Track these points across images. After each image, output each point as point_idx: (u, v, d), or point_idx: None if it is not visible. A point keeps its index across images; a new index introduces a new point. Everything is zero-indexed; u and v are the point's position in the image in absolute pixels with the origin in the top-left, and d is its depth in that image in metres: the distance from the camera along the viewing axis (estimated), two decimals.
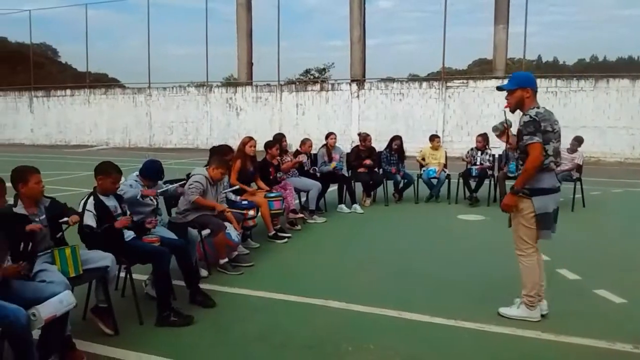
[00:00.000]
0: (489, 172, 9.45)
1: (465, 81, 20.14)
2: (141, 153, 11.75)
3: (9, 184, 3.43)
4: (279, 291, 4.91)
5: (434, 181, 9.61)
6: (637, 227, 7.96)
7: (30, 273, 3.43)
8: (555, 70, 29.28)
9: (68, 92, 26.72)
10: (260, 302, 4.73)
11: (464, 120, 19.52)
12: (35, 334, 3.19)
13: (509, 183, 9.09)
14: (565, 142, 9.57)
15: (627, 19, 39.11)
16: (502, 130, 4.60)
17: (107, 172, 4.21)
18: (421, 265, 5.85)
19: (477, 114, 19.18)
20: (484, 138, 9.54)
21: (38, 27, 27.02)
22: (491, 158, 9.61)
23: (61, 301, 3.22)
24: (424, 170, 9.72)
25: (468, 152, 9.79)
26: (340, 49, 51.13)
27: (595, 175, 13.11)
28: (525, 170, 4.02)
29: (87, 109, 25.93)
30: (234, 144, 6.98)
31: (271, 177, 7.32)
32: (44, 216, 3.79)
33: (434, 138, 10.03)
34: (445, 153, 10.03)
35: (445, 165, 9.78)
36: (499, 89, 4.32)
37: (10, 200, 3.65)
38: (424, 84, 20.53)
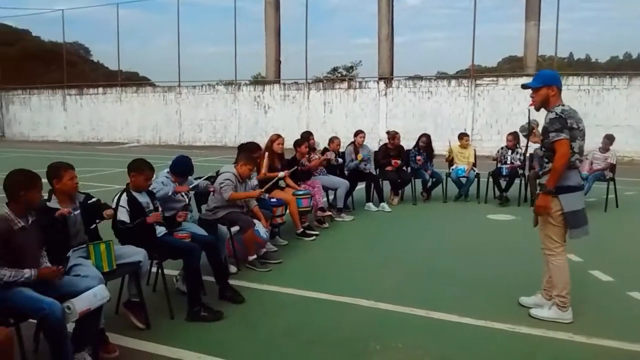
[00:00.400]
0: (520, 172, 9.31)
1: (495, 79, 19.85)
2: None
3: (44, 180, 3.52)
4: (307, 288, 4.94)
5: (463, 180, 9.51)
6: None
7: (63, 273, 3.47)
8: (587, 68, 28.59)
9: (100, 90, 27.24)
10: (289, 299, 4.76)
11: (493, 119, 19.25)
12: (70, 326, 3.27)
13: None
14: (598, 140, 9.44)
15: None
16: (530, 130, 4.51)
17: (140, 169, 4.29)
18: (450, 265, 5.79)
19: (507, 112, 18.89)
20: (514, 137, 9.40)
21: (70, 26, 27.75)
22: (522, 157, 9.46)
23: (95, 295, 3.29)
24: (452, 169, 9.62)
25: (498, 151, 9.66)
26: (367, 46, 51.05)
27: (629, 175, 12.78)
28: (554, 169, 3.98)
29: (119, 107, 26.39)
30: (262, 142, 7.01)
31: (300, 174, 7.35)
32: (78, 211, 3.88)
33: (462, 136, 9.92)
34: (475, 152, 9.90)
35: (474, 164, 9.66)
36: (524, 87, 4.31)
37: (46, 196, 3.75)
38: (453, 82, 20.32)
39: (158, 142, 25.35)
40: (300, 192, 6.85)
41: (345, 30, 55.13)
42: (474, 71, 20.96)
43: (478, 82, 19.72)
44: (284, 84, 23.29)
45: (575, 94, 18.28)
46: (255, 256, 5.55)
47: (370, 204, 8.92)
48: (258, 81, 26.61)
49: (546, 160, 4.18)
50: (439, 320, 4.22)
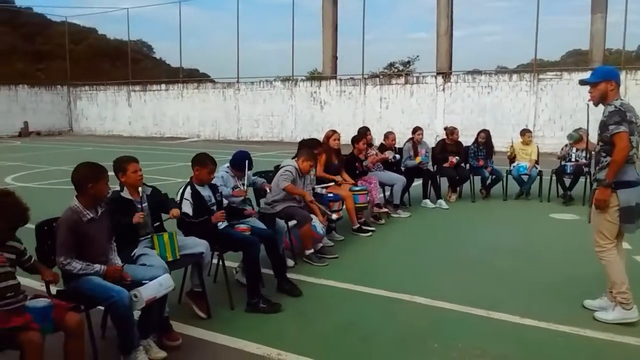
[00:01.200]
0: (585, 170, 8.94)
1: (559, 73, 19.11)
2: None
3: (111, 173, 3.68)
4: (363, 284, 4.94)
5: (525, 178, 9.23)
6: None
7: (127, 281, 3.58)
8: None
9: (163, 86, 28.10)
10: (346, 294, 4.77)
11: (557, 114, 18.55)
12: (136, 314, 3.41)
13: None
14: None
15: None
16: (578, 138, 4.45)
17: (204, 163, 4.41)
18: (511, 265, 5.64)
19: (571, 107, 18.14)
20: (582, 133, 9.01)
21: (134, 24, 28.86)
22: (587, 155, 9.08)
23: (161, 284, 3.42)
24: (513, 166, 9.35)
25: (562, 148, 9.31)
26: (424, 41, 50.29)
27: None
28: (613, 162, 3.92)
29: (180, 102, 27.15)
30: (318, 138, 7.05)
31: (357, 171, 7.34)
32: (145, 203, 4.03)
33: (525, 132, 9.62)
34: (537, 148, 9.59)
35: (537, 161, 9.36)
36: (582, 82, 4.28)
37: (115, 188, 3.92)
38: (514, 76, 19.71)
39: (217, 137, 25.92)
40: (357, 188, 6.85)
41: (402, 24, 54.68)
42: (537, 65, 20.27)
43: (541, 76, 19.05)
44: (340, 80, 23.30)
45: None
46: (312, 250, 5.60)
47: (427, 200, 8.81)
48: (314, 77, 26.74)
49: (604, 154, 4.09)
50: (499, 321, 4.13)
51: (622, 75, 17.65)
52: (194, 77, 31.12)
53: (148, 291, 3.29)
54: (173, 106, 27.38)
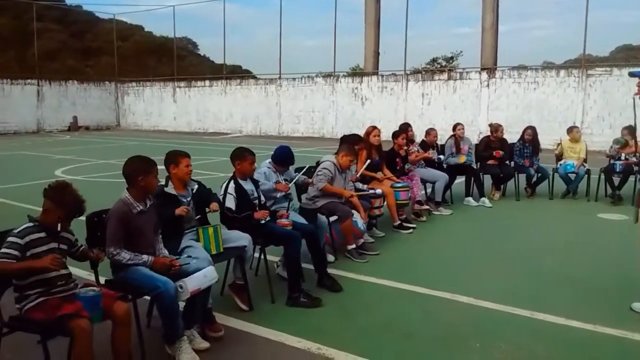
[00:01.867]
0: (635, 169, 8.62)
1: (608, 69, 18.46)
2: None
3: (161, 167, 3.77)
4: (404, 281, 4.91)
5: (572, 176, 8.97)
6: None
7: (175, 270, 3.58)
8: None
9: (207, 82, 28.57)
10: (386, 291, 4.76)
11: (605, 112, 17.92)
12: (181, 305, 3.48)
13: None
14: None
15: None
16: (624, 143, 4.32)
17: (243, 155, 4.49)
18: (556, 265, 5.51)
19: (621, 104, 17.47)
20: (630, 131, 8.69)
21: (179, 21, 29.36)
22: (638, 153, 8.76)
23: (205, 276, 3.49)
24: (560, 164, 9.10)
25: (612, 146, 9.00)
26: (468, 36, 49.41)
27: None
28: None
29: (223, 98, 27.55)
30: (359, 134, 7.01)
31: (398, 167, 7.30)
32: (190, 198, 4.11)
33: (572, 129, 9.34)
34: (586, 146, 9.30)
35: (585, 160, 9.08)
36: (632, 74, 4.26)
37: (161, 182, 4.01)
38: (562, 72, 19.14)
39: (259, 132, 26.18)
40: (399, 185, 6.80)
41: (446, 19, 53.90)
42: (585, 60, 19.65)
43: (590, 72, 18.45)
44: (382, 76, 23.15)
45: None
46: (353, 246, 5.60)
47: (470, 198, 8.68)
48: (356, 73, 26.67)
49: None
50: (544, 322, 4.04)
51: None
52: (237, 73, 31.52)
53: (193, 282, 3.36)
54: (216, 102, 27.80)
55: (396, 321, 4.08)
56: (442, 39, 48.21)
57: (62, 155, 15.94)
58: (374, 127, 6.99)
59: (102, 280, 3.52)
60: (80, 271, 3.85)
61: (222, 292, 4.46)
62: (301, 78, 25.20)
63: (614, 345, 3.70)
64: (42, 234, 2.92)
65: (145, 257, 3.40)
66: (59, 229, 2.94)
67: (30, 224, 2.92)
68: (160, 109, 30.07)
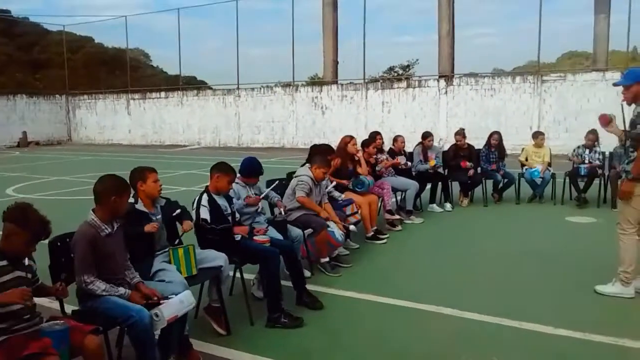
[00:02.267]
0: (599, 171, 8.78)
1: (563, 74, 18.99)
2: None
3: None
4: (386, 295, 4.75)
5: (538, 181, 9.05)
6: None
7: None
8: None
9: (162, 94, 27.95)
10: (368, 306, 4.59)
11: (561, 116, 18.39)
12: (155, 334, 3.20)
13: None
14: None
15: None
16: (610, 119, 4.75)
17: (226, 171, 4.26)
18: (534, 271, 5.47)
19: (576, 109, 18.01)
20: (595, 135, 8.86)
21: (128, 32, 28.43)
22: (601, 156, 8.93)
23: (182, 301, 3.24)
24: (526, 169, 9.18)
25: (574, 150, 9.15)
26: (410, 44, 50.28)
27: None
28: (638, 158, 4.27)
29: (180, 110, 26.98)
30: (320, 143, 6.83)
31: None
32: (160, 215, 3.85)
33: (537, 135, 9.45)
34: (550, 151, 9.41)
35: (549, 164, 9.19)
36: (616, 85, 4.65)
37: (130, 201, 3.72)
38: (518, 79, 19.56)
39: (218, 144, 25.74)
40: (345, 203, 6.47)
41: (386, 29, 54.81)
42: (539, 67, 20.14)
43: (545, 78, 18.92)
44: (342, 85, 23.16)
45: None
46: (327, 258, 5.43)
47: (434, 205, 8.67)
48: (315, 82, 26.62)
49: (631, 149, 4.42)
50: (533, 332, 3.94)
51: None
52: (192, 84, 30.97)
53: (169, 309, 3.10)
54: (173, 114, 27.23)
55: (382, 338, 3.90)
56: (386, 48, 48.71)
57: (12, 172, 15.17)
58: (352, 137, 6.85)
59: (67, 310, 3.21)
60: (40, 299, 3.51)
61: (196, 316, 4.17)
62: (260, 88, 24.97)
63: (607, 351, 3.64)
64: (4, 262, 2.62)
65: (122, 289, 3.11)
66: (27, 254, 2.65)
67: None
68: (113, 122, 29.24)
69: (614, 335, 3.81)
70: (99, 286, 3.06)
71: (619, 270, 4.59)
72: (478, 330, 4.03)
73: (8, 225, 2.64)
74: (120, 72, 32.49)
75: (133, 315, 2.99)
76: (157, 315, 3.05)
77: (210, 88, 28.26)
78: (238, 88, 25.37)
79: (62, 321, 2.73)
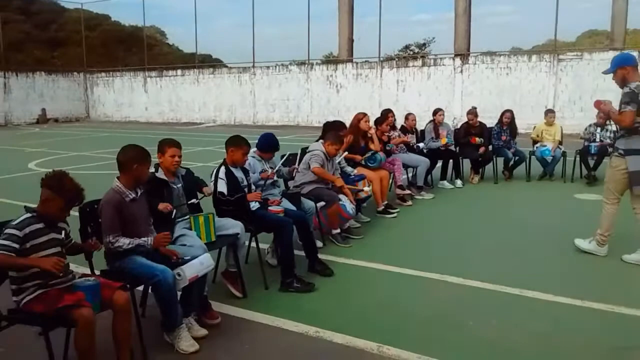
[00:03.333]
0: (610, 150, 8.85)
1: (579, 53, 18.83)
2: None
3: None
4: (394, 264, 4.98)
5: (549, 159, 9.16)
6: None
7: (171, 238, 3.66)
8: None
9: (179, 72, 28.16)
10: (376, 274, 4.82)
11: (577, 95, 18.30)
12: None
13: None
14: None
15: None
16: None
17: (239, 144, 4.47)
18: (539, 244, 5.65)
19: (592, 88, 17.87)
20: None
21: (140, 10, 28.58)
22: (612, 135, 8.99)
23: (202, 263, 3.49)
24: (537, 147, 9.28)
25: (586, 129, 9.23)
26: (430, 23, 49.64)
27: None
28: (615, 119, 5.00)
29: (196, 88, 27.20)
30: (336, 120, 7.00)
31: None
32: (180, 184, 4.08)
33: (548, 113, 9.53)
34: (561, 129, 9.50)
35: (560, 142, 9.28)
36: (605, 73, 5.10)
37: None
38: (534, 57, 19.44)
39: (233, 122, 25.97)
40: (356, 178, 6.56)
41: (404, 6, 54.13)
42: (557, 46, 19.98)
43: (561, 56, 18.78)
44: (357, 63, 23.17)
45: None
46: (338, 230, 5.65)
47: (445, 182, 8.84)
48: (330, 60, 26.63)
49: (619, 128, 5.06)
50: (533, 299, 4.15)
51: None
52: (207, 62, 31.12)
53: (191, 270, 3.35)
54: (189, 92, 27.45)
55: (390, 302, 4.14)
56: (403, 26, 48.08)
57: (34, 148, 15.56)
58: (364, 114, 7.01)
59: (96, 271, 3.48)
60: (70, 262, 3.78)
61: (214, 280, 4.45)
62: (275, 66, 25.04)
63: (602, 318, 3.83)
64: (41, 225, 2.87)
65: (144, 239, 3.36)
66: (61, 218, 2.91)
67: (29, 215, 2.86)
68: (131, 100, 29.55)
69: (612, 304, 4.00)
70: (124, 242, 3.31)
71: (597, 233, 5.16)
72: (480, 296, 4.25)
73: (45, 191, 2.88)
74: (137, 49, 32.75)
75: (157, 274, 3.25)
76: (179, 275, 3.30)
77: (226, 66, 28.41)
78: (254, 66, 25.49)
79: (93, 277, 2.99)
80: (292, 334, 3.64)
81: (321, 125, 6.67)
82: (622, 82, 4.84)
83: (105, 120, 29.45)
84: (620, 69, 4.87)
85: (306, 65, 24.19)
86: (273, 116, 24.93)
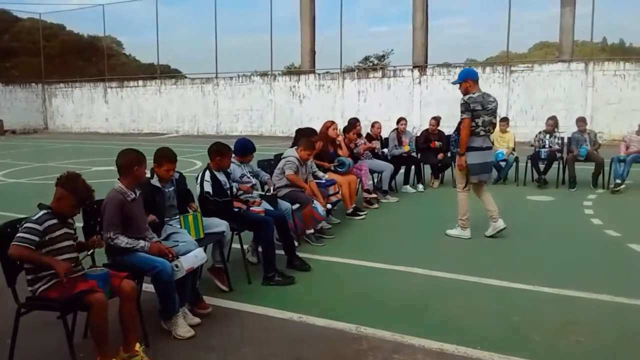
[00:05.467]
0: (558, 155, 9.59)
1: (530, 65, 19.90)
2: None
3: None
4: (365, 259, 5.42)
5: (502, 164, 9.83)
6: None
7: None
8: (622, 52, 28.42)
9: (140, 82, 28.12)
10: (350, 268, 5.26)
11: (528, 105, 19.32)
12: None
13: (578, 167, 9.26)
14: (635, 124, 9.67)
15: None
16: None
17: (225, 152, 4.85)
18: (494, 239, 6.18)
19: (542, 98, 18.95)
20: (554, 121, 9.66)
21: (98, 20, 28.31)
22: (560, 141, 9.73)
23: (196, 256, 3.85)
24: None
25: (536, 136, 9.94)
26: (387, 34, 50.79)
27: None
28: (461, 138, 5.94)
29: (159, 98, 27.23)
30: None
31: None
32: (173, 187, 4.42)
33: (502, 121, 10.21)
34: (514, 136, 10.19)
35: (513, 149, 9.97)
36: (453, 84, 6.13)
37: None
38: (487, 69, 20.42)
39: (196, 132, 26.11)
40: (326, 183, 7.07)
41: (362, 19, 55.32)
42: (509, 57, 21.02)
43: (513, 68, 19.81)
44: (319, 74, 23.73)
45: (611, 79, 18.26)
46: (312, 230, 6.06)
47: (408, 186, 9.38)
48: (293, 71, 27.11)
49: (457, 132, 6.54)
50: (491, 286, 4.66)
51: (590, 66, 18.54)
52: (166, 72, 31.13)
53: (187, 262, 3.70)
54: (151, 102, 27.47)
55: (363, 292, 4.57)
56: (362, 38, 49.13)
57: None
58: (332, 122, 7.48)
59: (99, 264, 3.76)
60: None
61: (200, 276, 4.75)
62: (238, 77, 25.37)
63: (549, 299, 4.35)
64: (55, 220, 3.17)
65: (142, 242, 3.67)
66: (73, 215, 3.22)
67: (45, 211, 3.16)
68: (91, 111, 29.33)
69: (559, 287, 4.53)
70: (123, 240, 3.62)
71: (458, 219, 6.14)
72: (445, 285, 4.73)
73: (59, 190, 3.19)
74: (96, 59, 32.43)
75: (157, 266, 3.58)
76: (177, 267, 3.64)
77: (186, 77, 28.52)
78: (217, 77, 25.74)
79: (102, 268, 3.31)
80: (277, 320, 4.01)
81: (285, 135, 7.14)
82: (465, 93, 5.88)
83: (64, 132, 29.10)
84: (464, 82, 5.89)
85: (269, 76, 24.61)
86: (237, 126, 25.20)
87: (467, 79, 5.92)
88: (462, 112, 5.85)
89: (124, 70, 34.09)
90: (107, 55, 33.45)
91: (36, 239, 3.03)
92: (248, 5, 46.20)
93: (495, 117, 6.09)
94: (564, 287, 4.53)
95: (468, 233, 6.13)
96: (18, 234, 3.03)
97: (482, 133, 5.92)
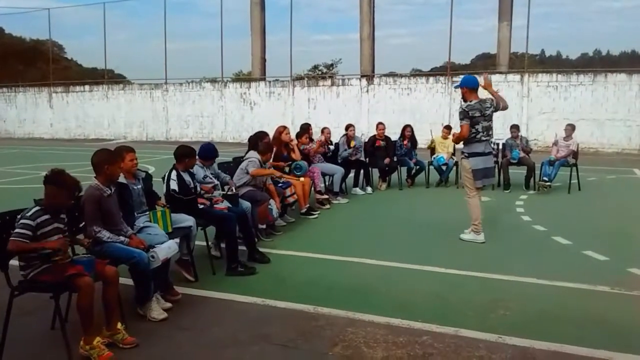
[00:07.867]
0: (494, 159, 10.38)
1: None
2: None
3: None
4: (319, 252, 5.95)
5: (444, 168, 10.58)
6: (624, 206, 8.98)
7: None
8: (557, 64, 30.25)
9: (87, 87, 27.73)
10: (305, 260, 5.76)
11: None
12: None
13: (512, 170, 10.10)
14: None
15: (619, 11, 39.89)
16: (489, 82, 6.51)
17: (193, 154, 5.27)
18: (434, 234, 6.84)
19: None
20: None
21: (36, 23, 27.73)
22: (495, 146, 10.55)
23: (170, 247, 4.24)
24: (434, 158, 10.68)
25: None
26: (331, 43, 51.82)
27: (592, 164, 14.12)
28: (461, 134, 6.21)
29: (105, 104, 26.95)
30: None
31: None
32: (140, 185, 4.78)
33: (444, 128, 10.97)
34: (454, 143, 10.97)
35: (453, 154, 10.75)
36: (455, 88, 6.80)
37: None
38: (431, 79, 21.46)
39: (145, 138, 26.00)
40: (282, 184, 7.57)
41: (307, 27, 56.02)
42: (451, 68, 22.14)
43: (455, 78, 20.87)
44: (269, 82, 24.19)
45: (544, 89, 19.60)
46: (264, 226, 6.53)
47: (357, 188, 9.97)
48: (243, 78, 27.45)
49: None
50: (430, 272, 5.27)
51: (525, 78, 19.84)
52: (111, 77, 30.76)
53: (163, 252, 4.09)
54: (97, 108, 27.16)
55: (319, 279, 5.07)
56: (307, 46, 49.80)
57: None
58: (285, 127, 7.96)
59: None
60: None
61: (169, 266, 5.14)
62: (188, 83, 25.48)
63: (479, 283, 4.98)
64: (47, 216, 3.50)
65: (122, 238, 4.04)
66: (67, 206, 3.56)
67: (38, 208, 3.48)
68: (35, 116, 28.65)
69: (487, 272, 5.19)
70: (105, 234, 3.98)
71: (471, 223, 6.33)
72: (391, 272, 5.30)
73: (50, 187, 3.51)
74: (40, 63, 31.66)
75: (135, 256, 3.95)
76: (153, 257, 4.02)
77: (133, 82, 28.31)
78: (166, 83, 25.75)
79: (87, 255, 3.66)
80: (242, 304, 4.45)
81: (236, 141, 7.62)
82: (464, 98, 6.26)
83: (6, 137, 28.28)
84: (462, 88, 6.28)
85: (220, 83, 24.85)
86: (187, 132, 25.29)
87: (464, 87, 6.23)
88: (460, 119, 6.14)
89: (67, 74, 33.35)
90: (48, 59, 32.75)
91: (30, 233, 3.37)
92: (191, 11, 45.84)
93: (492, 122, 6.34)
94: (495, 272, 5.19)
95: (482, 237, 6.27)
96: (15, 230, 3.36)
97: (483, 138, 6.18)
